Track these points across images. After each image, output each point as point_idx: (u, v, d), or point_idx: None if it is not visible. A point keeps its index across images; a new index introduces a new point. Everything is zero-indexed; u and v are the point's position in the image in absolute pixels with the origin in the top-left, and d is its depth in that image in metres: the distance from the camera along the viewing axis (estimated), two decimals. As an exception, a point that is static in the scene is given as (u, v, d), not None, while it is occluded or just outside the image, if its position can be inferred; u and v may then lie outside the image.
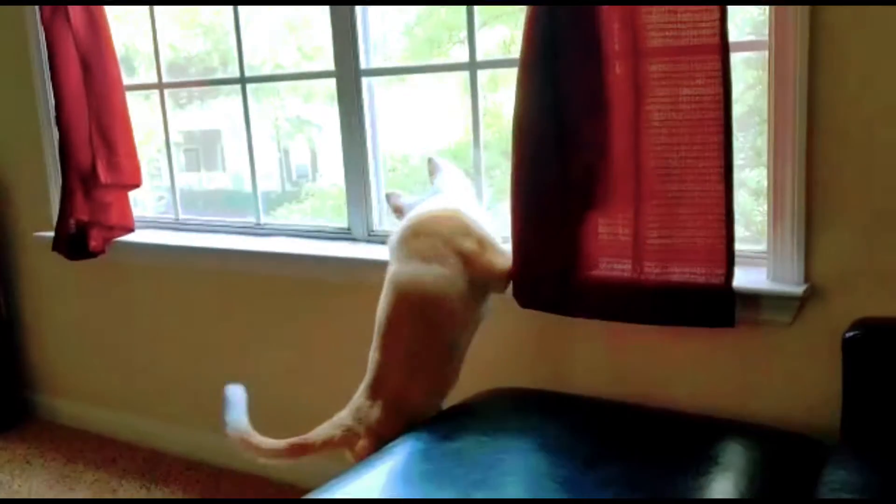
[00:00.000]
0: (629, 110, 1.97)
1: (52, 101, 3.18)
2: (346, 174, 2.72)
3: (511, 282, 2.14)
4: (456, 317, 2.06)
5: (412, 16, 2.69)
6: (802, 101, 1.88)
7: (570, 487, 1.70)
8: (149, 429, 3.34)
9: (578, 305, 2.11)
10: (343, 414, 2.06)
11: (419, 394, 2.07)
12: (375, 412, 2.02)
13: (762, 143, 1.97)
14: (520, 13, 2.11)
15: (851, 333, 1.82)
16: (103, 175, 3.07)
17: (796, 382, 2.01)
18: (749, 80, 2.13)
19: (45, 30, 3.07)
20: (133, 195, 3.23)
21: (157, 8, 3.09)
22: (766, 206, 2.00)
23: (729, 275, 1.92)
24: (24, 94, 3.36)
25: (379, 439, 1.98)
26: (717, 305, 1.94)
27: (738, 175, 2.00)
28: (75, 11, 2.98)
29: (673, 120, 1.93)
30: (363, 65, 2.63)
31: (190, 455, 3.18)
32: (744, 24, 2.07)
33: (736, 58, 1.90)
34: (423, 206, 2.20)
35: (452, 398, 2.18)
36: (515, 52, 2.11)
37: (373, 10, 2.62)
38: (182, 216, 3.24)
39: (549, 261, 2.11)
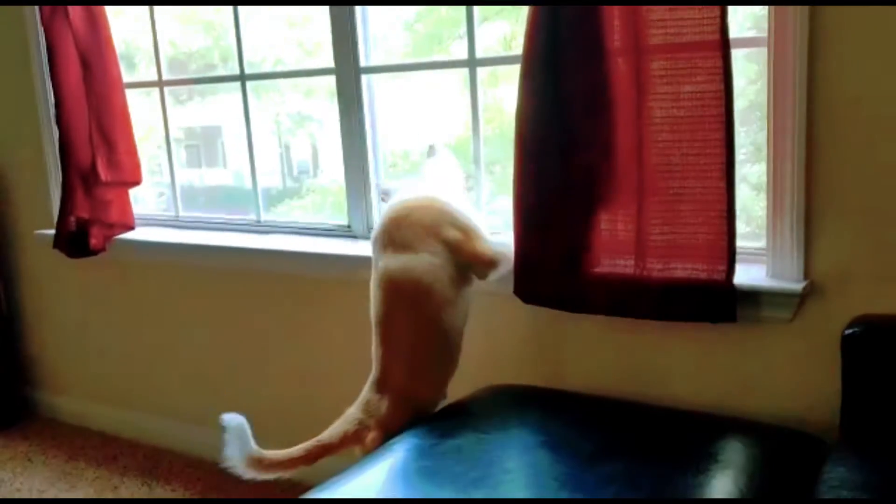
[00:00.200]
0: (631, 107, 1.97)
1: (52, 100, 3.18)
2: (346, 172, 2.72)
3: (494, 269, 2.16)
4: (449, 302, 2.09)
5: (412, 12, 2.68)
6: (802, 99, 1.87)
7: (571, 485, 1.69)
8: (150, 426, 3.34)
9: (581, 301, 2.12)
10: (352, 409, 2.09)
11: (424, 384, 2.11)
12: (384, 405, 2.05)
13: (763, 138, 1.97)
14: (521, 8, 2.11)
15: (851, 330, 1.82)
16: (103, 173, 3.07)
17: (796, 379, 2.01)
18: (751, 75, 2.12)
19: (45, 28, 3.07)
20: (134, 192, 3.23)
21: (157, 5, 3.08)
22: (767, 200, 1.99)
23: (730, 271, 1.93)
24: (24, 92, 3.36)
25: (388, 431, 2.01)
26: (719, 301, 1.95)
27: (740, 170, 1.99)
28: (75, 10, 2.97)
29: (674, 116, 1.93)
30: (363, 62, 2.63)
31: (191, 452, 3.19)
32: (745, 19, 2.07)
33: (737, 52, 1.89)
34: (400, 193, 2.23)
35: (452, 396, 2.18)
36: (516, 47, 2.11)
37: (373, 7, 2.61)
38: (182, 213, 3.24)
39: (552, 256, 2.12)
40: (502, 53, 2.50)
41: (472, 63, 2.43)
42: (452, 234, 2.11)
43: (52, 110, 3.18)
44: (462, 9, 2.43)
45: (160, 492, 2.98)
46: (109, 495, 2.99)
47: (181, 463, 3.17)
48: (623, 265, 2.04)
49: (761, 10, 1.98)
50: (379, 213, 2.71)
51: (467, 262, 2.12)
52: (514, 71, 2.10)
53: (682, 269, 1.98)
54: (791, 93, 1.88)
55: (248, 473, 1.99)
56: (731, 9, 1.84)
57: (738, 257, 1.93)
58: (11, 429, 3.60)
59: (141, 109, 3.23)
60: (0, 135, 3.55)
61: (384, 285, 2.09)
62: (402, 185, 2.31)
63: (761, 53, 1.96)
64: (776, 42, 1.89)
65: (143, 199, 3.38)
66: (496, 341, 2.38)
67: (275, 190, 3.21)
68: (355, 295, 2.33)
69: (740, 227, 1.99)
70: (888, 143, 1.83)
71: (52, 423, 3.66)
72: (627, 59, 1.96)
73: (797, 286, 1.94)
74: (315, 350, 2.83)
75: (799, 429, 1.91)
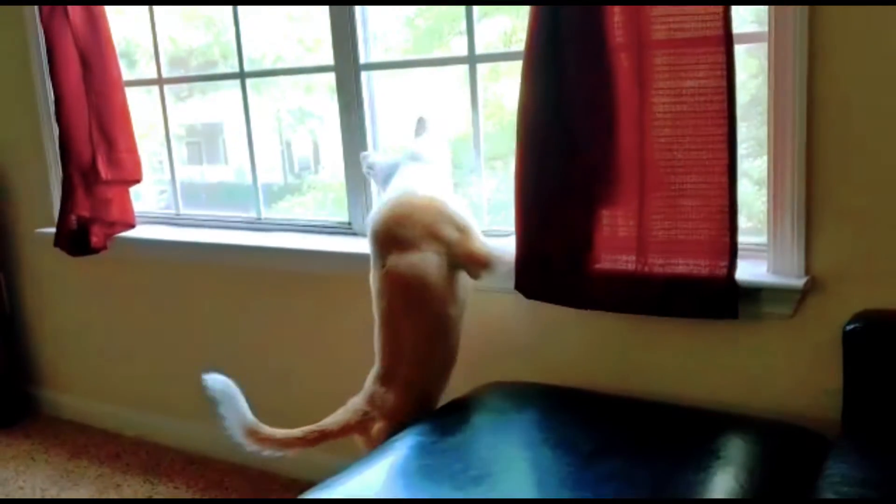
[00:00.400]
0: (634, 103, 1.96)
1: (52, 98, 3.17)
2: (346, 169, 2.71)
3: (487, 269, 2.18)
4: (452, 297, 2.14)
5: (412, 8, 2.67)
6: (802, 96, 1.87)
7: (571, 482, 1.69)
8: (152, 424, 3.34)
9: (583, 297, 2.12)
10: (357, 400, 2.13)
11: (429, 377, 2.16)
12: (391, 398, 2.09)
13: (765, 133, 1.96)
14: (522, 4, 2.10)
15: (852, 326, 1.82)
16: (104, 171, 3.07)
17: (797, 375, 2.00)
18: (752, 70, 2.12)
19: (45, 27, 3.06)
20: (135, 188, 3.23)
21: (156, 5, 3.08)
22: (767, 197, 1.99)
23: (732, 267, 1.92)
24: (24, 91, 3.36)
25: (395, 422, 2.05)
26: (721, 297, 1.94)
27: (741, 165, 1.99)
28: (74, 9, 2.97)
29: (677, 112, 1.92)
30: (362, 59, 2.62)
31: (194, 450, 3.19)
32: (747, 13, 2.06)
33: (738, 47, 1.88)
34: (397, 183, 2.26)
35: (454, 392, 2.18)
36: (517, 42, 2.10)
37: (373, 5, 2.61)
38: (183, 211, 3.24)
39: (554, 252, 2.12)
40: (503, 49, 2.50)
41: (471, 59, 2.42)
42: (450, 232, 2.14)
43: (52, 109, 3.18)
44: (461, 5, 2.42)
45: (162, 489, 2.98)
46: (112, 493, 2.99)
47: (183, 460, 3.17)
48: (625, 261, 2.04)
49: (763, 6, 1.97)
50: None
51: (462, 261, 2.15)
52: (516, 66, 2.09)
53: (683, 265, 1.98)
54: (791, 90, 1.87)
55: (245, 442, 2.05)
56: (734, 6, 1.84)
57: (738, 253, 1.93)
58: (14, 427, 3.60)
59: (141, 107, 3.23)
60: (0, 134, 3.55)
61: (392, 283, 2.12)
62: (389, 160, 2.36)
63: (762, 48, 1.96)
64: (776, 42, 1.88)
65: (144, 196, 3.38)
66: (497, 337, 2.37)
67: (276, 186, 3.20)
68: (356, 292, 2.34)
69: (741, 222, 1.98)
70: (889, 140, 1.82)
71: (54, 421, 3.66)
72: (630, 55, 1.95)
73: (798, 282, 1.94)
74: (316, 346, 2.83)
75: (800, 424, 1.91)
